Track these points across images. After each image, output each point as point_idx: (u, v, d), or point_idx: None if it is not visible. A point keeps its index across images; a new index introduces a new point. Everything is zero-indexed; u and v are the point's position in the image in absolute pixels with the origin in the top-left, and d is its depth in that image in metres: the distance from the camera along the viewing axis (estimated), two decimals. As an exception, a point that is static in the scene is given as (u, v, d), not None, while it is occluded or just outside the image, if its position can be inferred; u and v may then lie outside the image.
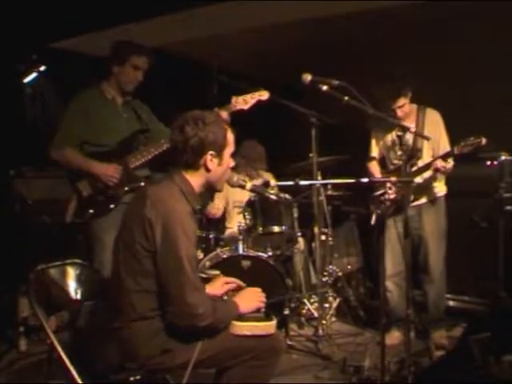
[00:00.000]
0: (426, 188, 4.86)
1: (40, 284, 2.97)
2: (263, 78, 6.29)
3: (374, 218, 4.59)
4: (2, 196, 5.39)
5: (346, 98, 3.80)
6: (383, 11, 5.26)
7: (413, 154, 4.76)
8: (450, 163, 4.70)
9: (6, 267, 4.91)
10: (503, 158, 5.06)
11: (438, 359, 4.32)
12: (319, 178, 5.11)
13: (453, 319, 5.11)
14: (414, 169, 4.76)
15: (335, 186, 5.88)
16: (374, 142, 5.11)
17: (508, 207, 4.95)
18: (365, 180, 3.72)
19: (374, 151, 5.10)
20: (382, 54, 6.08)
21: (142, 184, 4.32)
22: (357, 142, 6.25)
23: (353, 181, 3.72)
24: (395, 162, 4.92)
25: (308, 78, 3.97)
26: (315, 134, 4.83)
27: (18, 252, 5.10)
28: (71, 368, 2.63)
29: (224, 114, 4.18)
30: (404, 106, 4.75)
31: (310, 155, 4.92)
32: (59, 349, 2.69)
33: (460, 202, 5.00)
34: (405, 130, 4.03)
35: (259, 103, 4.33)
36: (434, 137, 4.72)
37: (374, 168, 5.10)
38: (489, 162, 5.29)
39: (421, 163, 4.78)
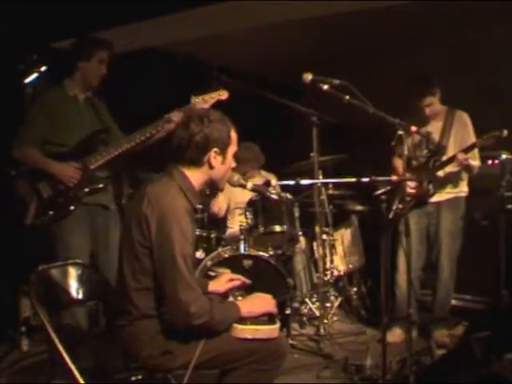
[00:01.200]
0: (449, 183, 4.91)
1: (41, 284, 2.98)
2: (264, 77, 6.30)
3: (392, 212, 4.60)
4: (3, 196, 5.39)
5: (347, 97, 3.80)
6: (384, 10, 5.27)
7: (437, 151, 4.79)
8: (477, 162, 4.80)
9: (8, 267, 4.91)
10: (504, 156, 5.07)
11: (439, 358, 4.31)
12: (320, 177, 5.11)
13: (454, 318, 5.12)
14: (437, 164, 4.80)
15: (336, 186, 5.88)
16: (404, 139, 5.13)
17: (509, 206, 4.95)
18: (366, 179, 3.71)
19: (404, 148, 5.13)
20: (382, 54, 6.08)
21: (101, 186, 4.33)
22: (357, 141, 6.27)
23: (354, 180, 3.72)
24: (421, 159, 4.96)
25: (309, 77, 3.97)
26: (316, 133, 4.83)
27: (19, 252, 5.10)
28: (73, 368, 2.64)
29: (181, 115, 4.16)
30: (432, 105, 4.81)
31: (311, 154, 4.92)
32: (61, 349, 2.69)
33: (462, 201, 5.02)
34: (406, 129, 4.03)
35: (219, 102, 4.34)
36: (461, 138, 4.80)
37: (399, 164, 5.11)
38: (490, 161, 5.31)
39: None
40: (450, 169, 4.84)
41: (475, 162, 4.80)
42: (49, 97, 4.38)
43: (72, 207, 4.23)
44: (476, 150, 4.82)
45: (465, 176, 4.93)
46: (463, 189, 4.97)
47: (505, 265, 4.87)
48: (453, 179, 4.91)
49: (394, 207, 4.67)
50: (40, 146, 4.26)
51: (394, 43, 5.95)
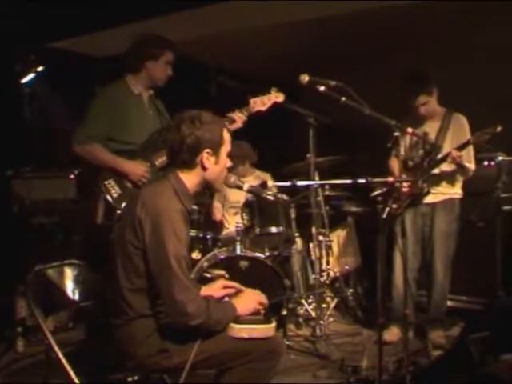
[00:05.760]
0: (443, 183, 4.93)
1: (38, 285, 2.98)
2: (261, 78, 6.29)
3: (386, 212, 4.61)
4: (0, 196, 5.39)
5: (343, 98, 3.80)
6: (383, 11, 5.27)
7: (433, 150, 4.80)
8: (472, 165, 4.81)
9: (4, 268, 4.90)
10: (500, 158, 5.08)
11: (435, 359, 4.32)
12: (317, 178, 5.11)
13: (451, 319, 5.12)
14: (432, 163, 4.81)
15: (333, 187, 5.88)
16: (402, 140, 5.13)
17: (505, 207, 4.97)
18: (362, 180, 3.72)
19: (402, 149, 5.13)
20: (382, 54, 6.08)
21: None
22: (354, 143, 6.27)
23: (350, 181, 3.72)
24: (416, 159, 4.96)
25: (305, 78, 3.96)
26: (313, 134, 4.83)
27: (15, 252, 5.09)
28: (69, 368, 2.64)
29: (243, 116, 4.28)
30: (427, 104, 4.82)
31: (308, 155, 4.93)
32: (57, 349, 2.69)
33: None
34: (402, 131, 4.03)
35: (275, 105, 4.42)
36: (458, 139, 4.78)
37: (395, 165, 5.12)
38: (486, 163, 5.31)
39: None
40: (444, 168, 4.84)
41: (470, 165, 4.80)
42: (113, 93, 4.28)
43: None
44: (472, 153, 4.83)
45: (459, 178, 4.93)
46: (457, 190, 4.96)
47: (501, 266, 4.88)
48: (447, 179, 4.90)
49: (388, 207, 4.68)
50: (103, 143, 4.17)
51: (394, 42, 5.94)
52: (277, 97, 4.43)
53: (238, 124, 4.31)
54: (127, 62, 4.36)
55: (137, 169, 4.15)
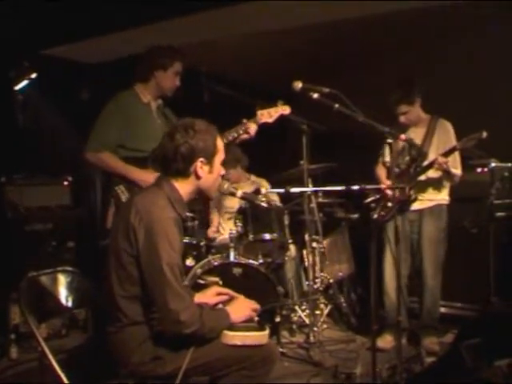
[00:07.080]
0: (430, 189, 4.93)
1: (31, 291, 2.97)
2: (254, 84, 6.31)
3: (374, 217, 4.61)
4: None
5: (337, 105, 3.80)
6: (378, 17, 5.28)
7: (418, 157, 4.81)
8: (458, 171, 4.82)
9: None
10: (494, 164, 5.09)
11: (429, 365, 4.31)
12: (310, 185, 5.12)
13: (444, 325, 5.12)
14: (418, 169, 4.82)
15: (326, 193, 5.89)
16: (387, 147, 5.13)
17: (498, 213, 4.98)
18: (355, 187, 3.72)
19: (387, 156, 5.13)
20: (380, 59, 6.08)
21: None
22: (347, 149, 6.26)
23: (344, 188, 3.73)
24: (402, 166, 4.96)
25: (299, 85, 3.96)
26: (306, 141, 4.84)
27: (9, 259, 5.08)
28: (62, 375, 2.63)
29: (253, 126, 4.35)
30: (408, 114, 4.84)
31: (301, 162, 4.93)
32: (50, 356, 2.68)
33: (451, 208, 5.01)
34: (395, 138, 4.04)
35: (281, 117, 4.47)
36: (443, 145, 4.79)
37: (382, 173, 5.14)
38: (479, 169, 5.33)
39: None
40: (431, 174, 4.85)
41: (456, 171, 4.81)
42: (123, 102, 4.29)
43: None
44: (458, 159, 4.84)
45: (446, 184, 4.94)
46: (445, 197, 4.96)
47: (494, 272, 4.89)
48: (434, 186, 4.91)
49: (377, 214, 4.68)
50: (113, 150, 4.19)
51: (393, 48, 5.95)
52: (284, 109, 4.47)
53: (252, 134, 4.39)
54: (136, 71, 4.40)
55: (147, 177, 4.11)
